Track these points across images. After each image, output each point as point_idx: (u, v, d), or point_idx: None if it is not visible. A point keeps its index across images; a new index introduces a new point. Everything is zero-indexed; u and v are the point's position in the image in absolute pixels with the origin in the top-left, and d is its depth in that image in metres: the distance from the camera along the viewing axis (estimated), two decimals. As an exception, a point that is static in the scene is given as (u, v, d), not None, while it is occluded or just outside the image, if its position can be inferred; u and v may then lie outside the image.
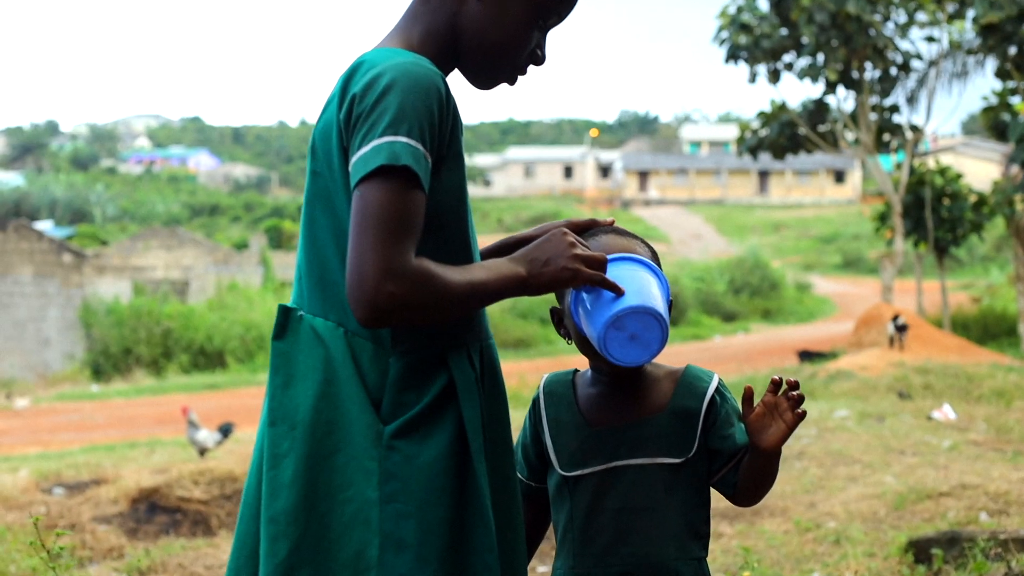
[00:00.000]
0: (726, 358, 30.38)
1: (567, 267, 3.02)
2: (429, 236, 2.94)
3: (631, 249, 3.33)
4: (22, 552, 9.77)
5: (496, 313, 37.83)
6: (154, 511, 11.66)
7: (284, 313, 3.07)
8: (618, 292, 3.08)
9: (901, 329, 25.58)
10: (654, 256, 3.38)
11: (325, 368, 2.97)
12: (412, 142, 2.84)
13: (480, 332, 3.13)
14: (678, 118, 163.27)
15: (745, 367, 26.05)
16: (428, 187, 2.91)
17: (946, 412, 15.92)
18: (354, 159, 2.86)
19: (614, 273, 3.13)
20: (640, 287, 3.14)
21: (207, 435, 14.28)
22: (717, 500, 10.15)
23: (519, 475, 3.55)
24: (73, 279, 40.93)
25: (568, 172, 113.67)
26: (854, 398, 18.64)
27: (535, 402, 3.53)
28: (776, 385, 3.25)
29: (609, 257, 3.16)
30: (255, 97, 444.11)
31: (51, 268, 40.80)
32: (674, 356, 31.29)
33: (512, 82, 3.23)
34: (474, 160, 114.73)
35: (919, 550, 7.86)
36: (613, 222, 3.41)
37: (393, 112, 2.85)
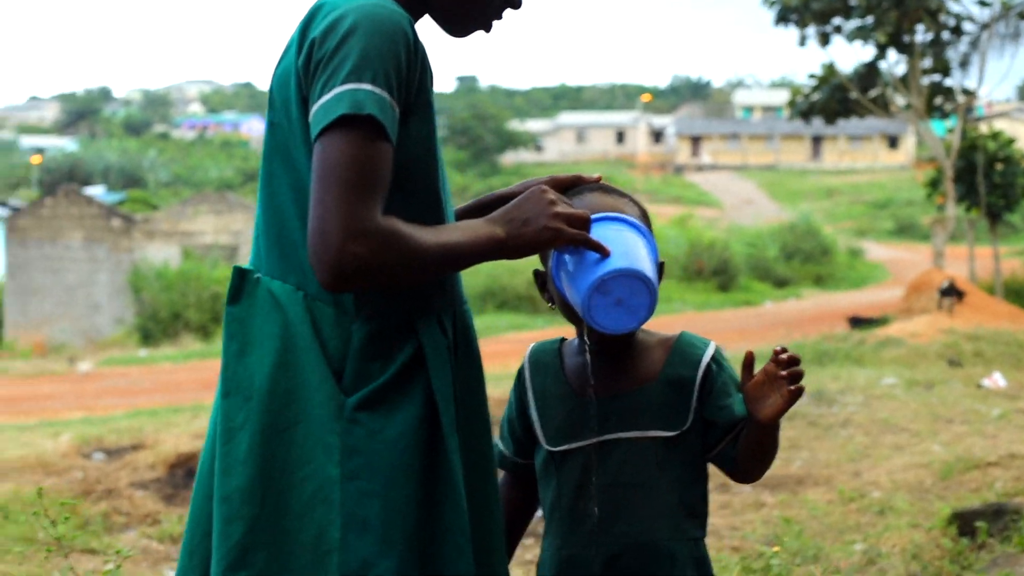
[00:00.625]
0: (776, 324, 30.15)
1: (548, 226, 2.82)
2: (396, 192, 2.74)
3: (618, 208, 3.12)
4: (54, 518, 9.69)
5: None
6: (191, 477, 11.56)
7: (239, 275, 2.86)
8: (603, 253, 2.87)
9: (949, 293, 25.27)
10: (644, 216, 3.18)
11: (283, 335, 2.76)
12: (377, 90, 2.64)
13: (453, 296, 2.93)
14: (731, 83, 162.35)
15: (795, 333, 25.76)
16: (396, 138, 2.70)
17: (996, 380, 15.68)
18: (314, 108, 2.66)
19: (599, 233, 2.92)
20: (627, 249, 2.92)
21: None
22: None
23: (505, 451, 3.38)
24: (123, 244, 40.99)
25: (620, 137, 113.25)
26: (903, 365, 18.38)
27: (520, 373, 3.34)
28: (778, 355, 3.03)
29: (594, 216, 2.95)
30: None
31: (101, 233, 40.87)
32: (723, 322, 31.16)
33: (488, 28, 3.01)
34: (526, 125, 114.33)
35: (963, 522, 7.65)
36: (600, 179, 3.19)
37: (356, 57, 2.65)
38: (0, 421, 17.45)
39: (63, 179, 74.70)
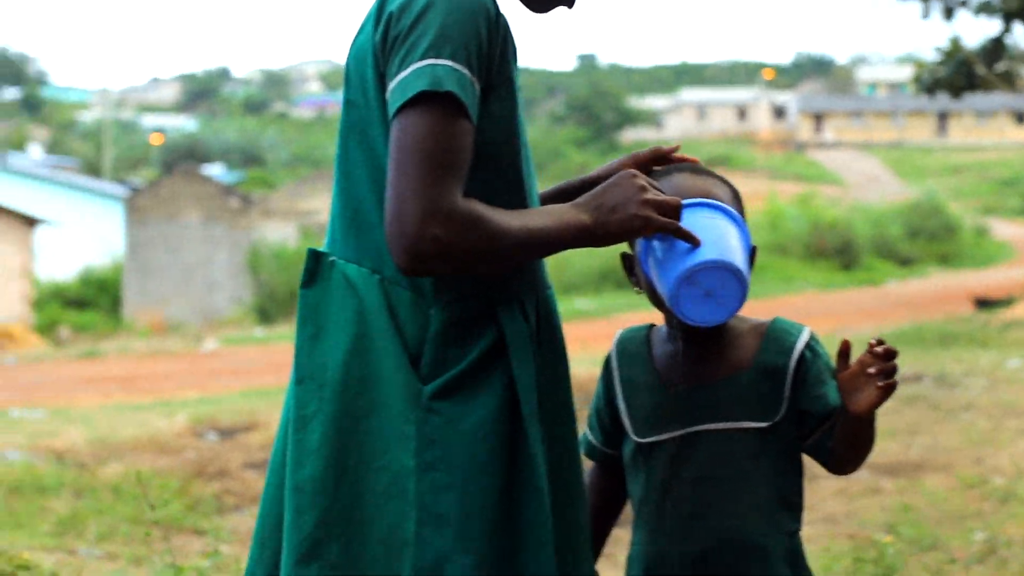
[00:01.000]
0: (898, 304, 29.72)
1: (637, 214, 2.66)
2: (476, 173, 2.62)
3: (709, 191, 2.97)
4: (168, 498, 9.72)
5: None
6: (303, 457, 11.54)
7: (314, 258, 2.75)
8: (693, 243, 2.73)
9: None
10: (736, 199, 3.03)
11: (358, 320, 2.66)
12: (456, 65, 2.53)
13: (536, 281, 2.80)
14: (854, 59, 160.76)
15: (918, 313, 25.40)
16: (476, 117, 2.58)
17: (1126, 362, 15.28)
18: (392, 85, 2.56)
19: (689, 221, 2.76)
20: (718, 238, 2.77)
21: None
22: (878, 454, 9.75)
23: (594, 440, 3.24)
24: (240, 223, 41.31)
25: (741, 115, 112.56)
26: (1029, 347, 17.97)
27: (607, 361, 3.19)
28: (873, 347, 2.85)
29: (687, 202, 2.80)
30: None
31: (219, 212, 41.22)
32: (845, 302, 30.76)
33: (570, 4, 2.87)
34: (646, 102, 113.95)
35: (1090, 510, 7.39)
36: (679, 148, 3.06)
37: (434, 32, 2.54)
38: (117, 400, 17.59)
39: (183, 158, 75.45)
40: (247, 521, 9.31)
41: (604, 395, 3.18)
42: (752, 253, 2.92)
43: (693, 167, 3.05)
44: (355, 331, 2.66)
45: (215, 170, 64.31)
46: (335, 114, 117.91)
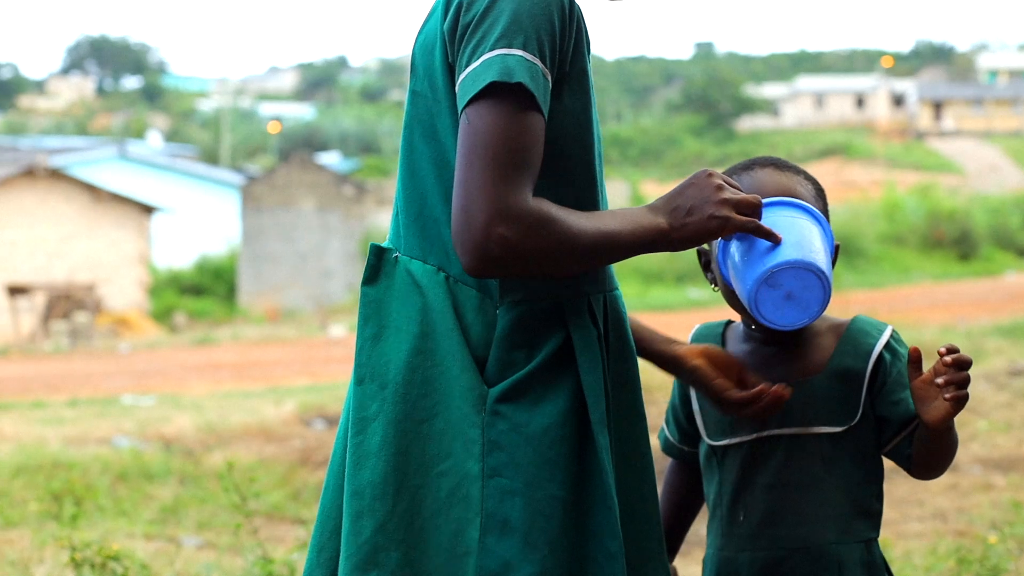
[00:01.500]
0: (1017, 295, 29.24)
1: (715, 215, 2.54)
2: (547, 169, 2.50)
3: (791, 189, 2.88)
4: (271, 486, 9.76)
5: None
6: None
7: (377, 254, 2.68)
8: (774, 241, 2.62)
9: None
10: (820, 195, 2.94)
11: (422, 319, 2.58)
12: (528, 56, 2.43)
13: (604, 281, 2.70)
14: (975, 46, 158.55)
15: (1038, 306, 24.94)
16: (548, 111, 2.48)
17: None
18: (461, 77, 2.46)
19: (769, 220, 2.66)
20: (800, 238, 2.66)
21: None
22: (991, 449, 9.54)
23: (671, 437, 3.16)
24: (354, 211, 41.45)
25: (860, 103, 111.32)
26: None
27: None
28: (942, 356, 2.72)
29: (765, 201, 2.68)
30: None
31: (333, 200, 41.37)
32: (962, 293, 30.32)
33: None
34: (763, 90, 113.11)
35: None
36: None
37: (506, 21, 2.43)
38: (228, 387, 17.72)
39: (300, 147, 75.93)
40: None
41: (680, 392, 3.10)
42: (835, 253, 2.82)
43: (775, 161, 2.95)
44: (419, 331, 2.58)
45: (331, 158, 64.66)
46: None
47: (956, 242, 42.71)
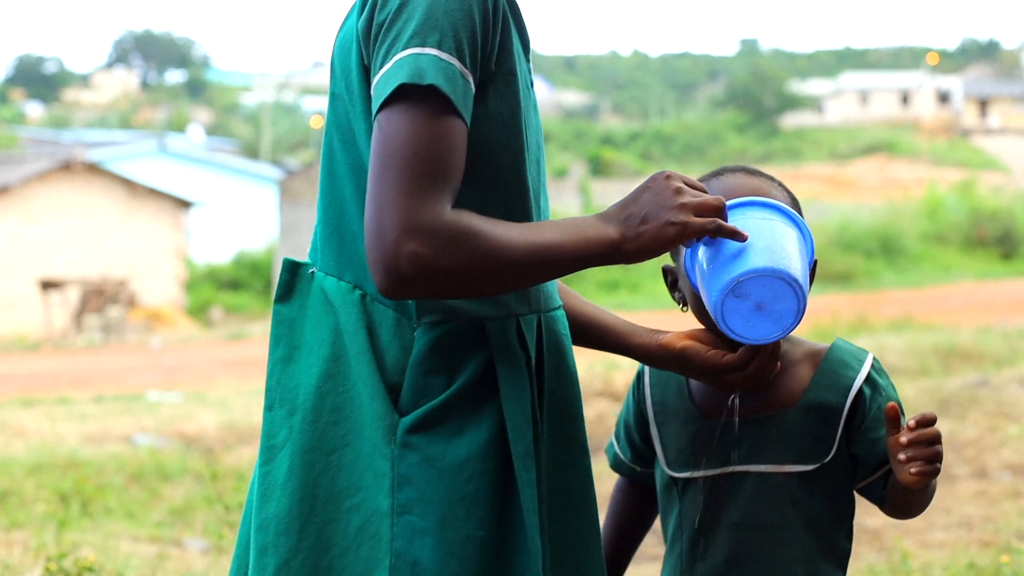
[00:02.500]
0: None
1: (671, 221, 2.30)
2: (473, 177, 2.32)
3: (765, 192, 2.63)
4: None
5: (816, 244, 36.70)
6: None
7: (291, 270, 2.48)
8: (740, 240, 2.36)
9: None
10: (795, 205, 2.67)
11: (334, 341, 2.39)
12: (443, 55, 2.23)
13: (538, 301, 2.47)
14: (1022, 44, 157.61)
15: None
16: (470, 114, 2.27)
17: None
18: (375, 81, 2.26)
19: (739, 222, 2.41)
20: (771, 242, 2.41)
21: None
22: (1022, 456, 9.30)
23: (622, 455, 2.92)
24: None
25: (905, 100, 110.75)
26: None
27: (639, 377, 2.86)
28: (912, 428, 2.52)
29: (734, 201, 2.47)
30: (586, 26, 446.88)
31: (370, 195, 41.26)
32: (1004, 293, 29.95)
33: None
34: (807, 87, 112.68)
35: None
36: None
37: (420, 18, 2.24)
38: (255, 384, 17.57)
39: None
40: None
41: (635, 412, 2.87)
42: (813, 267, 2.57)
43: (746, 168, 2.73)
44: (330, 353, 2.39)
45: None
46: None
47: (998, 241, 42.26)
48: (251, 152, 69.09)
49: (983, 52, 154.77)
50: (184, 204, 37.62)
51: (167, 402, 15.21)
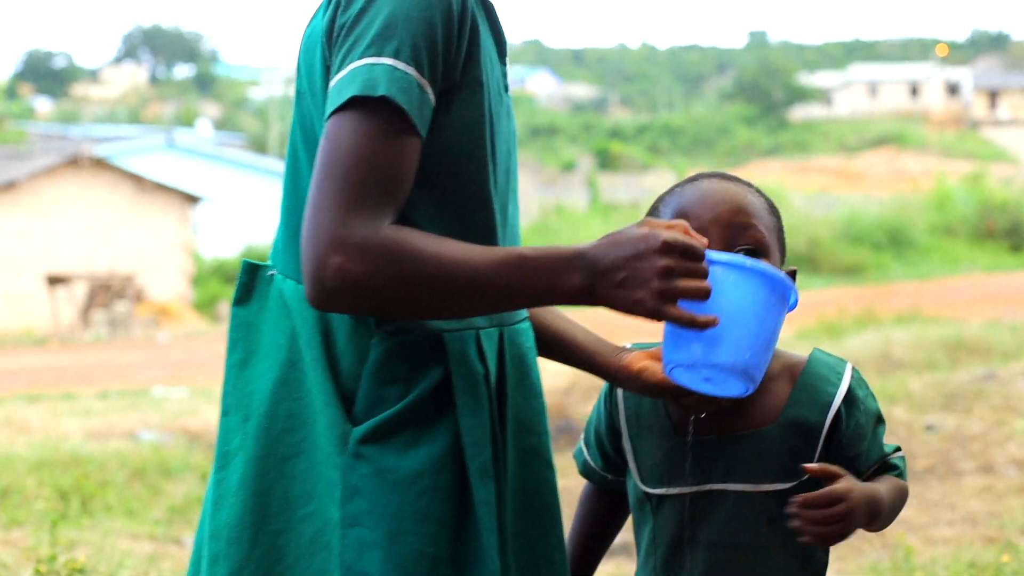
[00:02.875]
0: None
1: (647, 304, 2.15)
2: (433, 188, 2.25)
3: (740, 198, 2.54)
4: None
5: (825, 237, 36.65)
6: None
7: (249, 272, 2.41)
8: (713, 325, 2.19)
9: None
10: (773, 211, 2.59)
11: (290, 346, 2.32)
12: (400, 65, 2.16)
13: (501, 314, 2.38)
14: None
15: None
16: (426, 126, 2.20)
17: None
18: (331, 84, 2.20)
19: (715, 277, 2.22)
20: (742, 330, 2.26)
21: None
22: (1021, 447, 9.22)
23: (592, 463, 2.82)
24: (398, 200, 41.36)
25: (914, 91, 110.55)
26: None
27: (611, 387, 2.75)
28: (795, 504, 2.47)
29: (714, 258, 2.24)
30: (594, 18, 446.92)
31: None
32: (1014, 286, 29.82)
33: None
34: (816, 79, 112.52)
35: None
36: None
37: (380, 25, 2.17)
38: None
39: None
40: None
41: (606, 422, 2.77)
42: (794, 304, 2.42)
43: (722, 174, 2.64)
44: (286, 358, 2.32)
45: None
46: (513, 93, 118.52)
47: (1008, 233, 42.17)
48: (259, 147, 69.06)
49: (993, 43, 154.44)
50: (192, 199, 37.60)
51: (172, 397, 15.20)
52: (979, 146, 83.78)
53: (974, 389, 11.89)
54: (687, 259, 2.17)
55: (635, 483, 2.69)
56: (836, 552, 7.21)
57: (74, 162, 34.56)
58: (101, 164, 35.58)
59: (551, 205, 42.96)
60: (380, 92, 2.13)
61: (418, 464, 2.26)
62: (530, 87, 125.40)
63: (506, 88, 2.42)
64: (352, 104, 2.14)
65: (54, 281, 31.19)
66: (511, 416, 2.38)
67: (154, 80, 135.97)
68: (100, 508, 8.85)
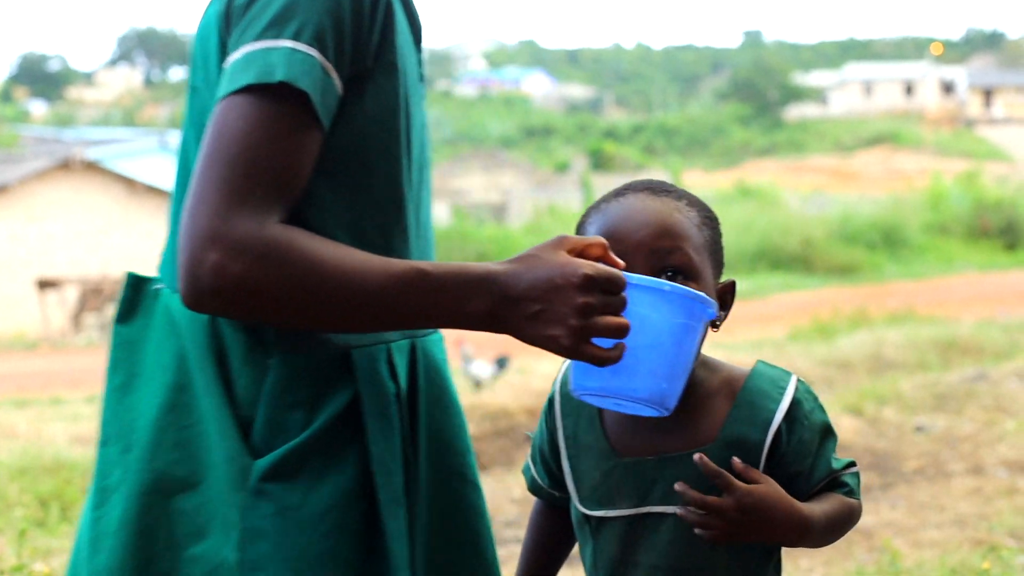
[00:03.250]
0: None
1: (561, 342, 1.99)
2: (335, 188, 2.07)
3: (666, 216, 2.41)
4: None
5: (819, 236, 36.55)
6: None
7: (134, 286, 2.20)
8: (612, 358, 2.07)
9: None
10: (707, 223, 2.47)
11: (179, 367, 2.09)
12: (301, 47, 1.96)
13: None
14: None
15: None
16: (330, 115, 2.01)
17: None
18: (223, 68, 2.01)
19: (628, 310, 2.09)
20: (657, 360, 2.17)
21: (482, 367, 13.78)
22: (1019, 451, 9.16)
23: (539, 479, 2.68)
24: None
25: (909, 90, 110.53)
26: None
27: (550, 403, 2.62)
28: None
29: (632, 282, 2.11)
30: (589, 19, 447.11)
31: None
32: (1008, 284, 29.77)
33: None
34: (811, 78, 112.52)
35: None
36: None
37: (279, 4, 1.98)
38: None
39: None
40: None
41: (548, 439, 2.64)
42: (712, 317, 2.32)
43: (651, 185, 2.49)
44: (174, 381, 2.10)
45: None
46: (500, 92, 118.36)
47: (1002, 232, 42.10)
48: (253, 149, 68.95)
49: (987, 42, 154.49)
50: (183, 202, 37.52)
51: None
52: (974, 145, 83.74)
53: (965, 390, 11.84)
54: (607, 293, 2.02)
55: (575, 504, 2.58)
56: (822, 556, 7.17)
57: (66, 165, 34.45)
58: (93, 167, 35.46)
59: (544, 206, 42.86)
60: (279, 78, 1.93)
61: (325, 500, 2.07)
62: (525, 88, 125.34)
63: (422, 77, 2.27)
64: (247, 90, 1.95)
65: (44, 285, 31.07)
66: (429, 436, 2.22)
67: (149, 83, 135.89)
68: (79, 515, 8.74)
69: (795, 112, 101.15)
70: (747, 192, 46.46)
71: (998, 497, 8.73)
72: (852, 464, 2.54)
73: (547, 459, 2.66)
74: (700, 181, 56.05)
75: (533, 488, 2.74)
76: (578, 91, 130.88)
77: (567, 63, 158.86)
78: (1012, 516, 8.00)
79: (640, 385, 2.16)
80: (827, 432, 2.49)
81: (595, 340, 2.02)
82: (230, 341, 2.07)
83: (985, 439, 10.24)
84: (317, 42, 1.97)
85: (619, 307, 2.03)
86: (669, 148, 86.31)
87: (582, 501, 2.55)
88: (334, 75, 2.00)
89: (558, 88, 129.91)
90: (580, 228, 2.49)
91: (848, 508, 2.50)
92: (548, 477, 2.67)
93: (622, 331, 2.02)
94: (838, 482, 2.51)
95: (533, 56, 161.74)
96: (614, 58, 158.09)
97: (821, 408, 2.51)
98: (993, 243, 41.40)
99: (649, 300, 2.14)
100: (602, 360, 2.02)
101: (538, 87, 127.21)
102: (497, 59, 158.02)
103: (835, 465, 2.50)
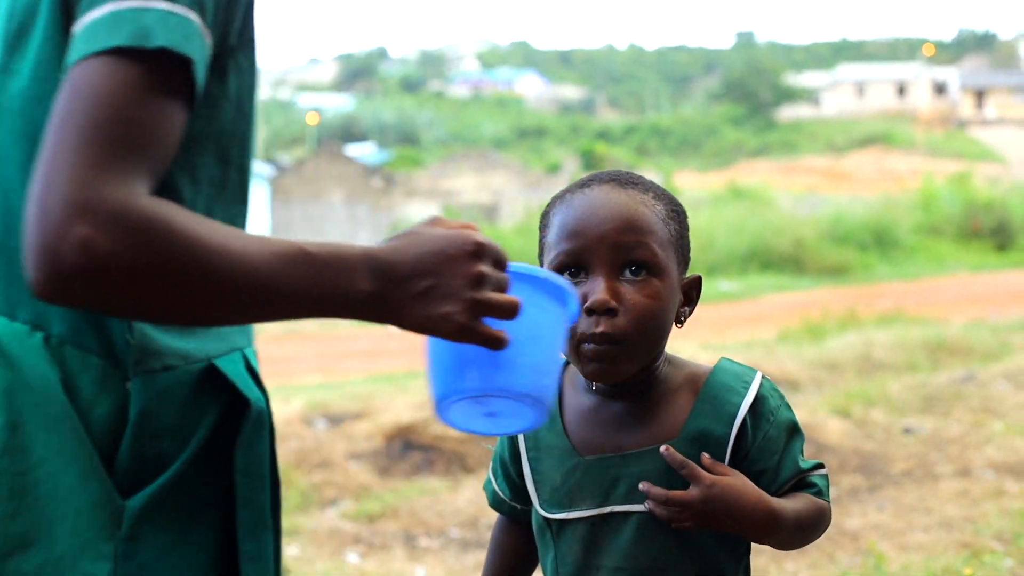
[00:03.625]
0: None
1: (454, 318, 1.75)
2: (199, 176, 1.81)
3: (631, 209, 2.34)
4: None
5: (810, 237, 36.55)
6: (408, 449, 11.19)
7: None
8: (499, 345, 1.83)
9: None
10: (673, 216, 2.40)
11: (8, 404, 1.76)
12: (178, 9, 1.65)
13: (251, 331, 1.99)
14: (1019, 34, 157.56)
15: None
16: (202, 85, 1.71)
17: None
18: (75, 30, 1.65)
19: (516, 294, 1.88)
20: (540, 354, 1.95)
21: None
22: (1008, 453, 9.13)
23: (500, 492, 2.60)
24: (383, 203, 41.36)
25: (901, 91, 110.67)
26: None
27: None
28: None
29: (515, 271, 1.90)
30: (582, 20, 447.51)
31: (361, 192, 41.28)
32: (999, 285, 29.80)
33: None
34: (803, 79, 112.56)
35: None
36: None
37: None
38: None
39: (339, 136, 75.98)
40: (331, 520, 9.01)
41: (510, 447, 2.58)
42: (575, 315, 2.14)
43: (617, 177, 2.42)
44: (4, 421, 1.76)
45: (365, 149, 64.56)
46: (493, 93, 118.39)
47: (993, 232, 42.11)
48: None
49: (979, 43, 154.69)
50: (175, 202, 37.62)
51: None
52: (966, 145, 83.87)
53: (953, 391, 11.81)
54: (496, 267, 1.81)
55: (535, 509, 2.51)
56: (807, 559, 7.15)
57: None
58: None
59: (535, 206, 42.88)
60: (158, 43, 1.61)
61: (213, 532, 1.86)
62: (518, 88, 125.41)
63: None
64: (115, 52, 1.61)
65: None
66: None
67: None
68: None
69: (787, 113, 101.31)
70: (739, 193, 46.44)
71: (985, 499, 8.71)
72: (820, 466, 2.48)
73: (508, 468, 2.59)
74: (692, 182, 56.04)
75: (495, 503, 2.67)
76: (571, 92, 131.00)
77: (560, 64, 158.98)
78: (999, 518, 7.97)
79: (524, 381, 1.91)
80: (794, 430, 2.43)
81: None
82: (77, 366, 1.78)
83: (973, 441, 10.21)
84: (196, 4, 1.68)
85: (505, 285, 1.81)
86: (661, 149, 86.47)
87: (543, 504, 2.48)
88: (208, 42, 1.70)
89: (551, 89, 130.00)
90: (544, 218, 2.44)
91: (818, 508, 2.43)
92: (510, 489, 2.61)
93: (513, 310, 1.80)
94: (806, 482, 2.44)
95: (526, 57, 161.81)
96: (607, 59, 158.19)
97: (787, 406, 2.45)
98: (984, 244, 41.41)
99: (528, 289, 1.93)
100: (496, 341, 1.79)
101: (531, 88, 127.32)
102: (490, 60, 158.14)
103: (803, 465, 2.44)
